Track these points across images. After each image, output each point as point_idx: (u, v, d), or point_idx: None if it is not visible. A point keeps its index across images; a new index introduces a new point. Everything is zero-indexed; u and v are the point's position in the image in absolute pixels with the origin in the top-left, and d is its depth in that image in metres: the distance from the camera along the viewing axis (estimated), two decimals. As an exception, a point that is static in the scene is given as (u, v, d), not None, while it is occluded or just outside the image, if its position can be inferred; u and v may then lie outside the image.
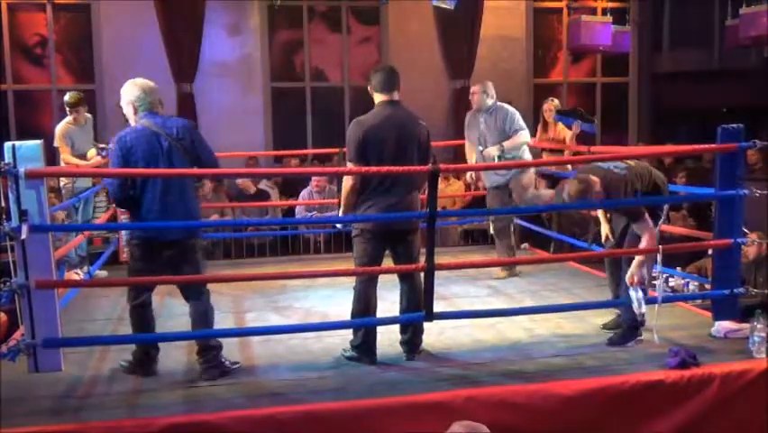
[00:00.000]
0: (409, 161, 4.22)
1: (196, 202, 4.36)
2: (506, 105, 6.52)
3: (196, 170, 4.23)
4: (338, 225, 4.88)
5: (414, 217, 4.39)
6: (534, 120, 11.06)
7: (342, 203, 4.41)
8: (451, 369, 4.19)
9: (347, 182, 4.32)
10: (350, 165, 4.30)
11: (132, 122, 4.13)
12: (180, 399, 3.84)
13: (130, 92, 4.14)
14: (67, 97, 6.64)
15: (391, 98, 4.34)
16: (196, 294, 4.22)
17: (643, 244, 4.36)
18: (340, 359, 4.35)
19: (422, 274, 4.20)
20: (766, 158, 8.53)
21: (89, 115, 6.87)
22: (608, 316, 4.89)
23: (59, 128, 6.64)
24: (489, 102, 6.44)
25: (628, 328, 4.55)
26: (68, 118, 6.63)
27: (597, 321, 4.94)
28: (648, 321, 4.43)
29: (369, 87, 4.43)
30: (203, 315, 4.20)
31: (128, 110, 4.16)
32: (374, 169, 4.14)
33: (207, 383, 4.02)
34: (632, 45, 11.14)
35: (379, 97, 4.36)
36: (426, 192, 4.14)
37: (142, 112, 4.10)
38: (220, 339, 4.22)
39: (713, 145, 4.69)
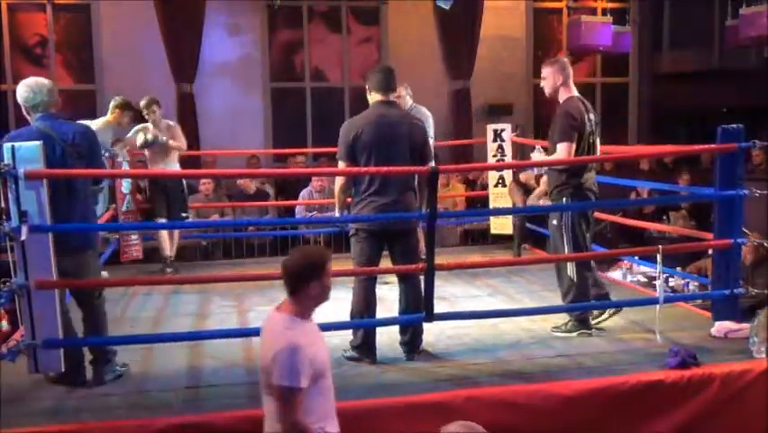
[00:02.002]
0: (400, 161, 4.22)
1: (93, 208, 4.22)
2: (423, 108, 6.30)
3: (196, 171, 4.21)
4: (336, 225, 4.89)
5: (414, 218, 4.40)
6: (535, 121, 11.12)
7: (335, 201, 4.49)
8: (451, 369, 4.20)
9: (337, 182, 4.45)
10: (339, 164, 4.34)
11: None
12: (180, 399, 3.84)
13: (19, 93, 3.95)
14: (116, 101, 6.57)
15: (386, 99, 4.35)
16: (89, 301, 4.07)
17: (555, 156, 4.63)
18: (340, 359, 4.35)
19: (422, 274, 4.21)
20: (769, 158, 8.55)
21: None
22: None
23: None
24: (410, 102, 6.31)
25: (576, 321, 4.77)
26: (108, 117, 6.52)
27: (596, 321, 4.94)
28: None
29: (367, 87, 4.44)
30: (95, 323, 4.06)
31: (24, 112, 3.99)
32: (374, 169, 4.14)
33: (206, 383, 4.03)
34: (632, 45, 11.14)
35: (374, 98, 4.38)
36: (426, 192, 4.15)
37: (36, 114, 3.91)
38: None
39: (713, 145, 4.69)
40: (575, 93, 4.74)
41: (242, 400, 3.82)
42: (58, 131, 3.86)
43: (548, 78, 4.74)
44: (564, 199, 4.71)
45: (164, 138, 6.71)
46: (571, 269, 4.72)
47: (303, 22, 10.41)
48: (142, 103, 6.73)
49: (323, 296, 2.87)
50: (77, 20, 9.88)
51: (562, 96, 4.73)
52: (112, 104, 6.55)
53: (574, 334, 4.73)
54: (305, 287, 2.79)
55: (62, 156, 3.83)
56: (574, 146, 4.60)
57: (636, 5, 11.35)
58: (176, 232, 7.10)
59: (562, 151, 4.59)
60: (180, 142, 6.90)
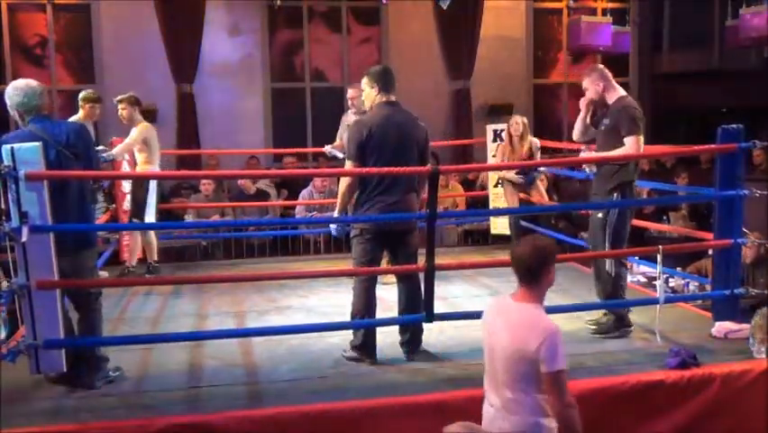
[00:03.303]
0: (408, 161, 4.23)
1: (91, 207, 4.15)
2: None
3: (196, 172, 4.19)
4: (332, 228, 4.78)
5: (414, 218, 4.40)
6: (535, 121, 11.12)
7: (338, 201, 4.45)
8: (451, 369, 4.20)
9: (344, 181, 4.39)
10: (348, 164, 4.32)
11: (22, 127, 3.90)
12: (180, 399, 3.84)
13: (10, 98, 3.86)
14: (83, 93, 6.46)
15: (389, 99, 4.35)
16: (86, 303, 4.04)
17: (624, 149, 4.51)
18: (340, 359, 4.35)
19: (421, 274, 4.20)
20: (770, 158, 8.55)
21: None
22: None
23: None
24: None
25: (615, 318, 4.66)
26: (80, 114, 6.40)
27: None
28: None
29: (365, 85, 4.41)
30: (91, 326, 4.04)
31: (14, 115, 3.92)
32: (375, 169, 4.15)
33: (207, 383, 4.03)
34: (632, 45, 11.14)
35: (378, 98, 4.37)
36: (427, 193, 4.15)
37: (30, 117, 3.85)
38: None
39: (713, 145, 4.69)
40: (623, 92, 4.72)
41: (242, 400, 3.83)
42: (50, 133, 3.81)
43: (590, 89, 4.74)
44: (615, 195, 4.62)
45: (104, 155, 6.08)
46: (609, 264, 4.66)
47: (303, 22, 10.41)
48: (116, 99, 6.53)
49: (553, 280, 2.99)
50: (77, 20, 9.89)
51: (612, 97, 4.70)
52: (79, 98, 6.39)
53: (615, 333, 4.65)
54: (545, 273, 2.92)
55: (57, 158, 3.80)
56: (642, 139, 4.54)
57: (636, 5, 11.35)
58: (136, 237, 6.78)
59: (632, 144, 4.50)
60: (122, 145, 6.37)
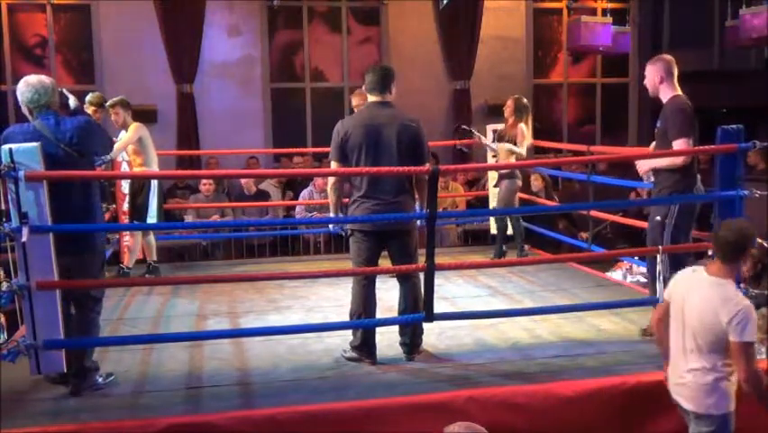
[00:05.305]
0: (388, 163, 4.19)
1: (98, 205, 4.11)
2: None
3: (196, 171, 4.17)
4: (330, 227, 4.88)
5: (413, 218, 4.40)
6: (536, 121, 11.12)
7: (330, 201, 4.53)
8: (451, 369, 4.20)
9: (329, 181, 4.51)
10: (332, 164, 4.38)
11: (31, 122, 3.89)
12: (180, 399, 3.85)
13: (22, 94, 3.87)
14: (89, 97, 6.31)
15: (381, 99, 4.36)
16: (85, 304, 3.99)
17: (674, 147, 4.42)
18: (340, 359, 4.36)
19: (422, 274, 4.21)
20: (767, 159, 8.54)
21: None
22: (606, 316, 4.90)
23: None
24: None
25: None
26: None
27: (596, 322, 4.94)
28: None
29: (363, 87, 4.46)
30: (87, 325, 3.98)
31: (25, 111, 3.92)
32: (374, 169, 4.15)
33: (207, 383, 4.03)
34: (632, 45, 11.14)
35: (369, 98, 4.40)
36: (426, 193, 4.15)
37: (38, 113, 3.85)
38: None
39: (712, 146, 4.69)
40: (680, 92, 4.57)
41: (242, 400, 3.83)
42: (54, 130, 3.79)
43: (648, 77, 4.60)
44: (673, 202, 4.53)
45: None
46: (665, 267, 4.48)
47: (303, 22, 10.42)
48: (108, 103, 6.44)
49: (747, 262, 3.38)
50: (77, 20, 9.89)
51: (666, 94, 4.55)
52: (86, 101, 6.18)
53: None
54: (743, 255, 3.22)
55: (58, 154, 3.76)
56: (692, 142, 4.42)
57: (636, 5, 11.35)
58: (137, 239, 6.70)
59: (681, 147, 4.42)
60: (118, 144, 6.32)
